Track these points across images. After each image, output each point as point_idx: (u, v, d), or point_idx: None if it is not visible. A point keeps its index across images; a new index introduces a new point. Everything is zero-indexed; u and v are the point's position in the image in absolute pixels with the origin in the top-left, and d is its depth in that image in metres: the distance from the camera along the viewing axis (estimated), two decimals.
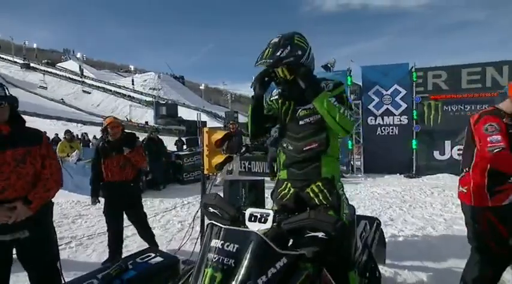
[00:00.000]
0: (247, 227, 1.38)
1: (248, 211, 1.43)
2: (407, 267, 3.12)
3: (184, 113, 45.74)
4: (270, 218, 1.36)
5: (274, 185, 1.99)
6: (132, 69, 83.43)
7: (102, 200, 3.51)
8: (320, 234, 1.22)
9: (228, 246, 1.20)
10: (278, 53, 1.65)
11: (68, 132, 8.60)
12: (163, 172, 7.91)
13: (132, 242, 4.03)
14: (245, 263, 1.15)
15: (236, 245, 1.19)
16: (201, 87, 67.10)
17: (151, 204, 6.13)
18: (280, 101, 1.90)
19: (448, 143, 8.32)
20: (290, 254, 1.22)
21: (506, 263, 2.08)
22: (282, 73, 1.74)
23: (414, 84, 8.69)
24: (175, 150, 11.13)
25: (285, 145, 1.89)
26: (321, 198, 1.73)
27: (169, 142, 12.64)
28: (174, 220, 5.05)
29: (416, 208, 5.50)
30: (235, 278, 1.12)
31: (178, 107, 45.13)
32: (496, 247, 1.98)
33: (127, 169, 3.42)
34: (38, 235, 2.02)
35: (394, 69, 9.06)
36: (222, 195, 2.39)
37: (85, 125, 35.77)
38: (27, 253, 2.00)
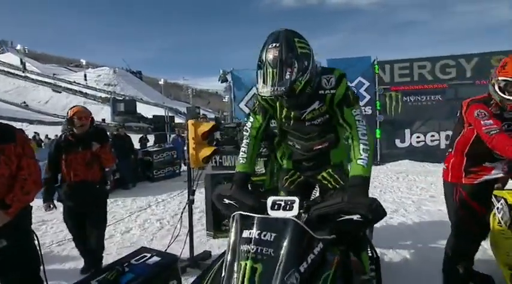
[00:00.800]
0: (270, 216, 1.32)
1: (270, 200, 1.36)
2: (391, 247, 3.27)
3: (143, 109, 43.79)
4: (296, 205, 1.31)
5: None
6: (84, 63, 77.73)
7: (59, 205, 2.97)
8: (355, 217, 1.19)
9: (265, 236, 1.13)
10: (287, 77, 1.37)
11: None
12: (132, 170, 7.48)
13: (111, 245, 3.76)
14: (285, 251, 1.09)
15: (274, 234, 1.13)
16: (160, 82, 64.44)
17: (123, 204, 5.80)
18: (278, 104, 1.68)
19: (407, 131, 8.91)
20: (326, 239, 1.20)
21: (482, 237, 2.25)
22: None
23: (376, 77, 9.14)
24: (140, 147, 10.62)
25: (291, 143, 1.82)
26: (332, 182, 1.74)
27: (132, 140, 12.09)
28: (152, 218, 4.79)
29: (386, 193, 5.82)
30: (277, 267, 1.06)
31: (137, 103, 43.09)
32: (470, 222, 2.11)
33: (94, 167, 2.91)
34: (18, 243, 1.78)
35: (357, 62, 9.44)
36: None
37: (32, 124, 32.70)
38: (6, 264, 1.75)
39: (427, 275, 2.57)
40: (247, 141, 1.74)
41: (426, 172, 7.39)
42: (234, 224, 1.25)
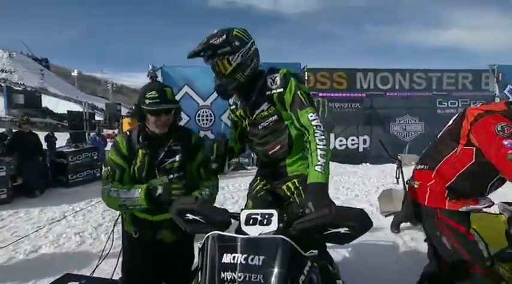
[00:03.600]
0: (244, 233, 1.15)
1: (244, 213, 1.19)
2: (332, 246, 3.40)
3: (50, 103, 38.04)
4: (275, 219, 1.16)
5: None
6: None
7: None
8: (343, 229, 1.11)
9: (253, 260, 0.96)
10: (212, 41, 1.50)
11: None
12: (40, 175, 6.29)
13: (10, 272, 3.02)
14: (277, 276, 0.94)
15: (262, 257, 0.97)
16: (73, 74, 56.89)
17: (28, 216, 4.79)
18: (233, 108, 1.81)
19: (332, 135, 9.62)
20: (312, 257, 1.08)
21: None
22: (219, 66, 1.55)
23: (306, 83, 9.66)
24: (47, 147, 9.04)
25: (255, 150, 1.80)
26: (295, 195, 1.65)
27: None
28: (69, 232, 4.05)
29: None
30: None
31: (43, 96, 37.19)
32: (466, 253, 1.67)
33: None
34: None
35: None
36: None
37: None
38: None
39: (364, 268, 2.74)
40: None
41: (348, 173, 8.07)
42: (209, 247, 1.04)
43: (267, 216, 1.17)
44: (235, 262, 0.96)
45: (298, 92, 1.52)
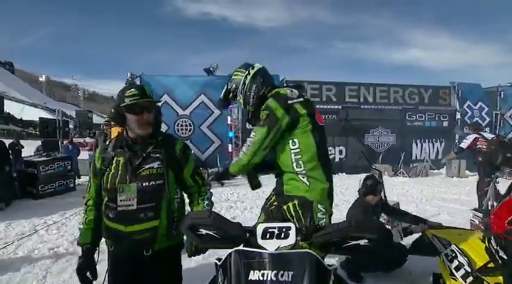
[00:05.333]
0: (261, 247, 1.10)
1: (260, 227, 1.14)
2: None
3: (13, 109, 35.62)
4: (293, 232, 1.13)
5: None
6: None
7: None
8: (362, 242, 1.10)
9: (282, 276, 0.92)
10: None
11: None
12: (5, 186, 5.76)
13: None
14: None
15: (291, 272, 0.93)
16: (41, 79, 53.88)
17: None
18: None
19: None
20: (334, 269, 1.06)
21: None
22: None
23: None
24: (12, 156, 8.36)
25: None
26: (295, 219, 1.63)
27: None
28: (41, 248, 3.72)
29: None
30: None
31: (6, 101, 34.74)
32: None
33: None
34: None
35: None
36: None
37: None
38: None
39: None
40: None
41: None
42: (233, 263, 0.98)
43: (284, 230, 1.13)
44: (264, 279, 0.92)
45: (263, 111, 1.67)
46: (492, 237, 2.00)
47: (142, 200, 1.52)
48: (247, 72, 1.80)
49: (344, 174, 9.42)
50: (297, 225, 1.56)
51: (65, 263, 3.32)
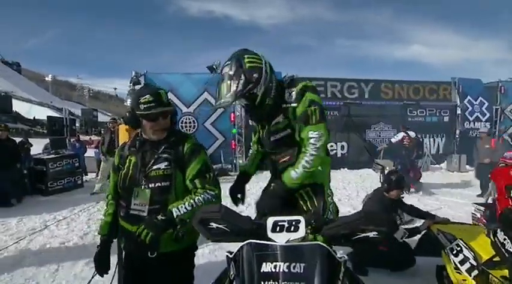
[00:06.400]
0: (271, 240, 1.11)
1: (270, 221, 1.15)
2: None
3: (21, 108, 35.73)
4: (302, 225, 1.13)
5: None
6: None
7: None
8: (372, 234, 1.10)
9: (294, 267, 0.92)
10: (234, 88, 1.46)
11: None
12: (16, 183, 5.82)
13: None
14: (317, 282, 0.91)
15: (303, 264, 0.94)
16: (47, 79, 53.95)
17: (4, 227, 4.37)
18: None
19: None
20: (344, 261, 1.06)
21: None
22: (249, 101, 1.55)
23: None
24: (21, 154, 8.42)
25: (267, 155, 1.83)
26: (308, 204, 1.62)
27: None
28: (52, 242, 3.77)
29: None
30: None
31: (14, 101, 34.85)
32: None
33: None
34: None
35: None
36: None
37: None
38: None
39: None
40: (251, 151, 1.99)
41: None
42: (245, 256, 0.99)
43: (294, 222, 1.13)
44: (276, 270, 0.93)
45: (311, 108, 1.51)
46: (498, 230, 2.00)
47: (149, 202, 1.51)
48: (264, 60, 1.53)
49: (346, 169, 9.41)
50: (309, 215, 1.60)
51: (76, 257, 3.36)
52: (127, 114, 1.66)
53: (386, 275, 2.90)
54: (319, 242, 1.00)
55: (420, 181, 6.88)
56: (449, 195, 6.45)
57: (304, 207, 1.64)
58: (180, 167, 1.54)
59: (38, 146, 9.09)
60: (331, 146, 9.90)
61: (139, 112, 1.51)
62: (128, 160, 1.59)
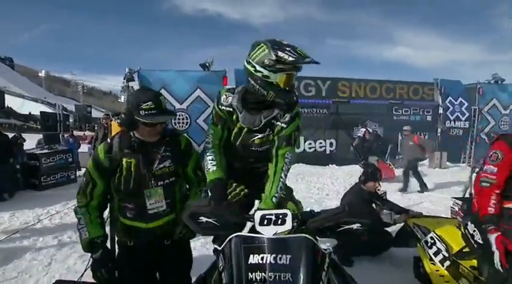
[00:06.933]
0: (259, 233, 1.11)
1: (258, 214, 1.16)
2: None
3: (14, 103, 34.79)
4: (289, 219, 1.15)
5: None
6: None
7: None
8: (355, 226, 1.12)
9: (281, 259, 0.93)
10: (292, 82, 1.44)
11: None
12: (9, 177, 5.67)
13: None
14: (304, 273, 0.92)
15: (289, 256, 0.95)
16: (40, 74, 52.51)
17: None
18: (234, 118, 1.60)
19: (302, 138, 9.81)
20: (329, 253, 1.08)
21: None
22: (289, 79, 1.42)
23: None
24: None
25: (229, 159, 1.68)
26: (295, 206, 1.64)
27: None
28: (45, 236, 3.69)
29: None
30: None
31: (6, 96, 33.86)
32: None
33: None
34: None
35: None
36: None
37: None
38: None
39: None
40: (212, 149, 1.62)
41: (318, 173, 8.25)
42: (233, 249, 0.99)
43: (281, 216, 1.15)
44: (263, 262, 0.94)
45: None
46: (468, 223, 2.05)
47: (164, 198, 1.58)
48: None
49: (334, 165, 9.50)
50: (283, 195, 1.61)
51: (69, 251, 3.31)
52: (123, 115, 1.63)
53: (369, 265, 2.96)
54: (304, 235, 1.01)
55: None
56: (431, 190, 6.59)
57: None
58: (180, 162, 1.64)
59: (31, 141, 8.87)
60: (320, 143, 9.98)
61: (138, 117, 1.47)
62: (124, 163, 1.53)
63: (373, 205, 3.28)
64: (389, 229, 3.12)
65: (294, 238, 1.01)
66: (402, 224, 2.93)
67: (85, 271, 2.39)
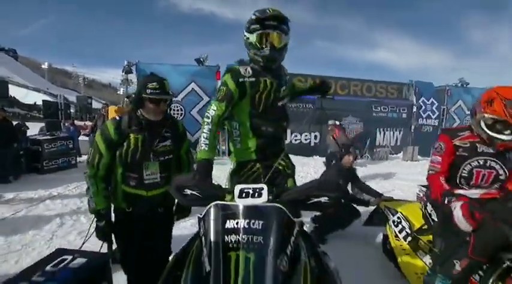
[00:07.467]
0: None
1: (237, 188, 1.20)
2: None
3: (18, 93, 33.67)
4: (265, 192, 1.19)
5: None
6: None
7: None
8: (323, 199, 1.17)
9: (253, 224, 0.98)
10: (283, 14, 1.53)
11: None
12: (14, 161, 5.57)
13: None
14: (274, 237, 0.98)
15: (261, 221, 1.00)
16: (43, 66, 50.69)
17: (2, 200, 4.23)
18: (259, 82, 1.60)
19: (289, 131, 9.88)
20: (299, 222, 1.14)
21: None
22: (275, 38, 1.53)
23: None
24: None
25: (264, 128, 1.68)
26: (285, 168, 1.71)
27: None
28: (47, 215, 3.69)
29: None
30: (269, 254, 0.94)
31: (10, 86, 32.69)
32: None
33: None
34: None
35: None
36: None
37: None
38: None
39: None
40: (210, 127, 1.59)
41: (302, 164, 8.31)
42: (212, 216, 1.04)
43: (258, 190, 1.18)
44: (238, 226, 0.98)
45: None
46: (428, 204, 2.17)
47: (160, 171, 1.68)
48: None
49: (318, 156, 9.63)
50: (288, 172, 1.74)
51: (70, 228, 3.33)
52: (133, 95, 1.73)
53: (344, 242, 3.09)
54: (277, 205, 1.06)
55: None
56: (402, 179, 6.79)
57: (284, 171, 1.74)
58: (177, 143, 1.77)
59: (34, 129, 8.69)
60: (306, 136, 10.09)
61: (145, 95, 1.59)
62: (132, 138, 1.63)
63: (349, 184, 3.40)
64: (362, 210, 3.25)
65: (266, 206, 1.06)
66: (375, 206, 3.06)
67: (83, 244, 2.43)
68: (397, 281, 2.31)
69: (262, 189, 1.19)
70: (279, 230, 0.99)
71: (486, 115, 1.59)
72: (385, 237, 2.68)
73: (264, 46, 1.50)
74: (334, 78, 10.63)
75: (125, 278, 1.76)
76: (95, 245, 1.85)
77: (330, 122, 7.57)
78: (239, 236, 0.96)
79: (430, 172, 1.81)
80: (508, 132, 1.56)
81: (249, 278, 0.88)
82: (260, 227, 0.98)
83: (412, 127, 10.93)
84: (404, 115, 10.99)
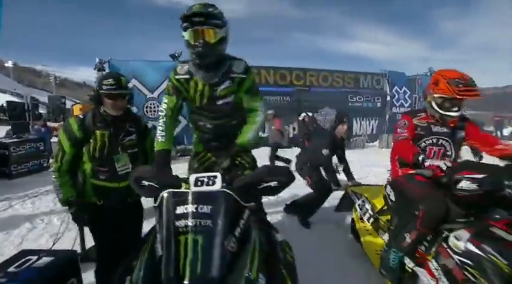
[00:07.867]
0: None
1: (192, 177, 1.26)
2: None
3: None
4: (219, 180, 1.26)
5: None
6: None
7: None
8: (273, 183, 1.25)
9: (202, 209, 1.05)
10: (209, 10, 1.46)
11: None
12: None
13: None
14: (222, 220, 1.05)
15: (210, 206, 1.07)
16: (7, 65, 47.63)
17: None
18: (191, 80, 1.66)
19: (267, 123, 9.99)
20: (249, 207, 1.22)
21: None
22: (205, 34, 1.48)
23: None
24: None
25: (202, 123, 1.77)
26: (241, 160, 1.77)
27: None
28: (17, 220, 3.56)
29: None
30: (216, 236, 1.01)
31: None
32: None
33: None
34: None
35: None
36: None
37: None
38: None
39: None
40: (164, 120, 1.70)
41: (280, 154, 8.49)
42: (164, 203, 1.10)
43: (211, 178, 1.25)
44: (187, 211, 1.05)
45: (255, 85, 1.75)
46: (387, 185, 2.33)
47: (131, 162, 1.79)
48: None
49: (296, 147, 9.83)
50: (244, 163, 1.77)
51: (42, 231, 3.26)
52: (92, 92, 1.77)
53: (319, 226, 3.26)
54: (224, 190, 1.13)
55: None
56: (376, 166, 7.08)
57: (238, 162, 1.76)
58: (140, 138, 1.86)
59: (1, 133, 8.23)
60: (284, 127, 10.24)
61: (102, 91, 1.67)
62: (98, 134, 1.70)
63: (335, 155, 3.54)
64: (333, 196, 3.41)
65: (214, 192, 1.13)
66: (343, 192, 3.22)
67: (53, 244, 2.42)
68: (361, 259, 2.48)
69: (216, 177, 1.26)
70: (227, 214, 1.07)
71: (435, 95, 1.83)
72: (352, 220, 2.85)
73: (197, 43, 1.48)
74: (308, 69, 10.81)
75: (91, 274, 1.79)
76: (68, 247, 1.88)
77: (270, 112, 7.40)
78: (188, 220, 1.02)
79: (399, 138, 1.94)
80: (455, 108, 1.82)
81: (197, 259, 0.95)
82: (209, 211, 1.05)
83: (387, 116, 11.38)
84: (378, 105, 11.42)
